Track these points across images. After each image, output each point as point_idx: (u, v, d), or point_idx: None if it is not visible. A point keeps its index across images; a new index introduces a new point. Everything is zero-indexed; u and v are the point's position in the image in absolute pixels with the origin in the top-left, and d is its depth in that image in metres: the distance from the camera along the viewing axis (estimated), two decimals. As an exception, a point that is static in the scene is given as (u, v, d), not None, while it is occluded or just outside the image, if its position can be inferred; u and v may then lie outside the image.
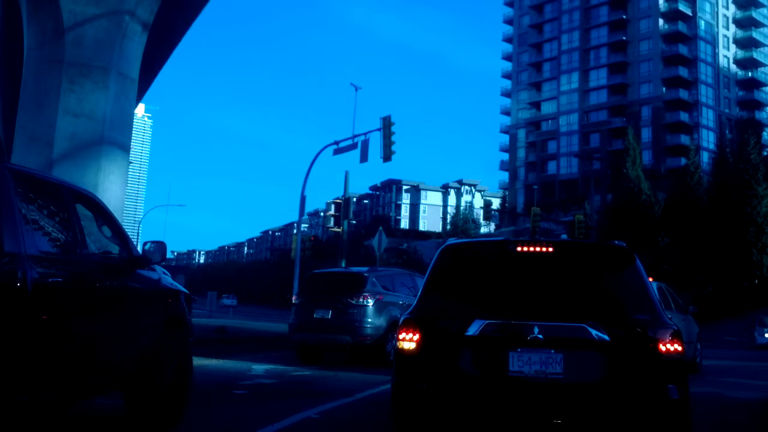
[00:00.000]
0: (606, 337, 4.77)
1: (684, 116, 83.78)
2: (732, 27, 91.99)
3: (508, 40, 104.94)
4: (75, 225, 4.92)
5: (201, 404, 7.09)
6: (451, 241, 5.80)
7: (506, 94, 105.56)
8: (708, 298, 44.20)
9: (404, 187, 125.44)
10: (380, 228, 28.59)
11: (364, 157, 25.95)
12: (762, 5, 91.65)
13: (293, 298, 15.03)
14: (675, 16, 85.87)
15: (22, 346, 4.03)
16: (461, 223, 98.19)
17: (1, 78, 20.95)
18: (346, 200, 27.46)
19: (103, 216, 5.68)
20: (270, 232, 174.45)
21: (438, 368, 4.95)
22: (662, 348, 4.81)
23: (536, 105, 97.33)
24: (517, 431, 5.33)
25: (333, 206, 29.44)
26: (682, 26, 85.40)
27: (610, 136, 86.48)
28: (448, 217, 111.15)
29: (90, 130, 13.34)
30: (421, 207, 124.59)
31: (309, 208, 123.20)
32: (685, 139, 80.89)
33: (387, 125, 24.99)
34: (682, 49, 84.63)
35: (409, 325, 5.13)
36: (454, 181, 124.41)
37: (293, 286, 25.31)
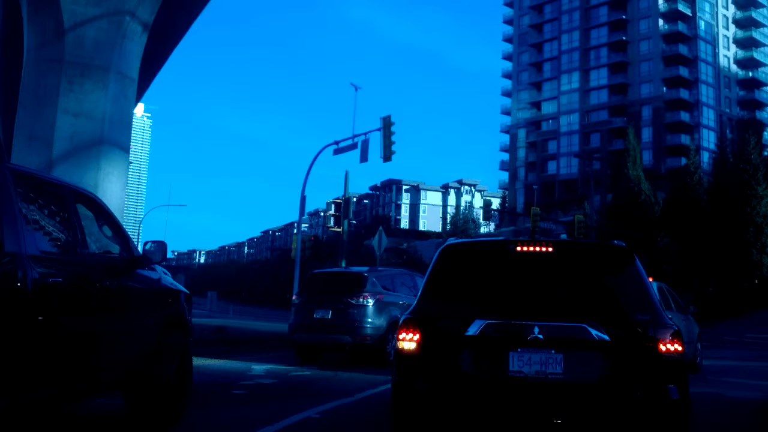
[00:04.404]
0: (606, 337, 4.77)
1: (685, 116, 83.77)
2: (732, 27, 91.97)
3: (508, 39, 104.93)
4: (75, 225, 4.92)
5: (201, 404, 7.09)
6: (451, 241, 5.80)
7: (506, 93, 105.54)
8: (708, 298, 44.13)
9: (404, 187, 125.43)
10: (380, 228, 28.59)
11: (364, 157, 25.95)
12: (761, 5, 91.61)
13: (293, 298, 15.03)
14: (675, 16, 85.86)
15: (23, 346, 4.03)
16: (461, 223, 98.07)
17: (1, 78, 20.93)
18: (346, 200, 27.46)
19: (104, 216, 5.68)
20: (270, 232, 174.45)
21: (438, 368, 4.95)
22: (662, 348, 4.81)
23: (536, 105, 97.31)
24: (517, 431, 5.32)
25: (333, 206, 29.43)
26: (681, 26, 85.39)
27: (610, 136, 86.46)
28: (448, 217, 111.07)
29: (90, 130, 13.35)
30: (421, 207, 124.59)
31: (309, 208, 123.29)
32: (685, 139, 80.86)
33: (387, 125, 24.99)
34: (683, 49, 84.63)
35: (410, 325, 5.13)
36: (454, 181, 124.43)
37: (293, 286, 25.31)
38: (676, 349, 4.83)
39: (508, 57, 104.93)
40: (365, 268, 15.00)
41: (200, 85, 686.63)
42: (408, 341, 5.09)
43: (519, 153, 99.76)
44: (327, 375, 10.97)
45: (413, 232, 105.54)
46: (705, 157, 74.86)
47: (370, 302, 12.89)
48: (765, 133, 66.47)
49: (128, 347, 5.48)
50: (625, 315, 5.06)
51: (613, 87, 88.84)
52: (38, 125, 13.17)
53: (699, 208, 48.95)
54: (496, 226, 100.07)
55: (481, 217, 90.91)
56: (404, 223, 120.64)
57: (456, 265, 5.53)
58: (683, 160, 65.99)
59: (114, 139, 13.76)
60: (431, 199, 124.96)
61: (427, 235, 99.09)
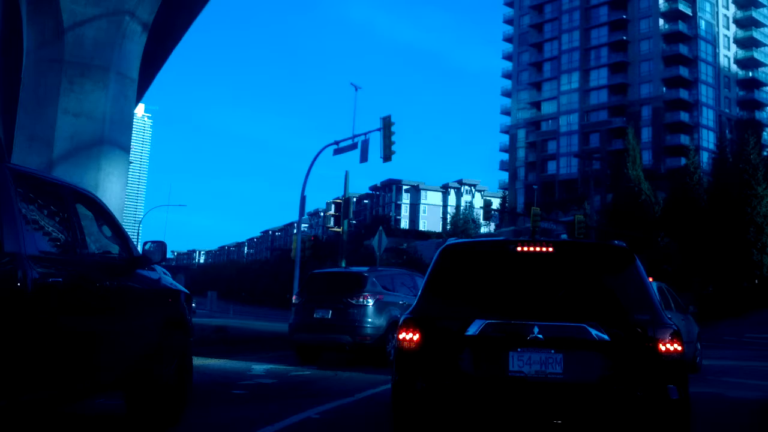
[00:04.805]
0: (606, 337, 4.77)
1: (684, 116, 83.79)
2: (732, 27, 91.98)
3: (508, 39, 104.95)
4: (75, 225, 4.92)
5: (201, 404, 7.09)
6: (451, 241, 5.80)
7: (506, 93, 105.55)
8: (708, 298, 44.14)
9: (404, 187, 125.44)
10: (380, 228, 28.58)
11: (364, 157, 25.95)
12: (762, 5, 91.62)
13: (293, 298, 15.04)
14: (675, 15, 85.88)
15: (23, 346, 4.03)
16: (461, 223, 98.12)
17: (1, 78, 20.94)
18: (346, 200, 27.46)
19: (103, 216, 5.68)
20: (270, 232, 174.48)
21: (438, 368, 4.95)
22: (662, 348, 4.81)
23: (536, 105, 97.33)
24: (517, 431, 5.32)
25: (333, 206, 29.49)
26: (682, 26, 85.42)
27: (610, 136, 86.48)
28: (448, 217, 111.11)
29: (90, 130, 13.35)
30: (421, 207, 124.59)
31: (309, 208, 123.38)
32: (685, 139, 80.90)
33: (387, 125, 24.99)
34: (683, 49, 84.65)
35: (409, 325, 5.13)
36: (454, 181, 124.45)
37: (293, 286, 25.31)
38: (675, 349, 4.83)
39: (508, 57, 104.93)
40: (365, 268, 15.00)
41: (200, 85, 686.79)
42: (408, 341, 5.09)
43: (519, 153, 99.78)
44: (327, 375, 10.97)
45: (413, 232, 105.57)
46: (705, 157, 74.89)
47: (370, 302, 12.89)
48: (764, 133, 66.56)
49: (128, 347, 5.48)
50: (625, 315, 5.06)
51: (613, 87, 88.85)
52: (38, 125, 13.17)
53: (699, 208, 48.96)
54: (496, 226, 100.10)
55: (481, 217, 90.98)
56: (404, 223, 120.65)
57: (456, 265, 5.53)
58: (683, 160, 66.00)
59: (114, 139, 13.76)
60: (431, 199, 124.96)
61: (427, 235, 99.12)
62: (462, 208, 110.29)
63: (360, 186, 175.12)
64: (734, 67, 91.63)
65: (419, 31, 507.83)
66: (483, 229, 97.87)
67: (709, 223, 46.56)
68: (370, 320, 12.78)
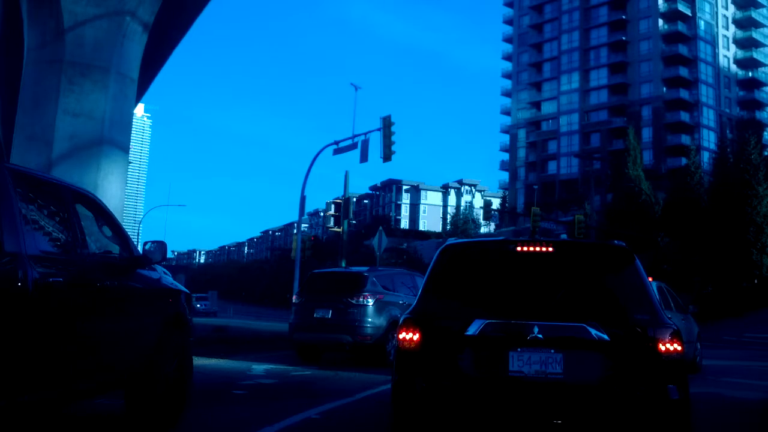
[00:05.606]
0: (606, 337, 4.77)
1: (685, 116, 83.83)
2: (732, 27, 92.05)
3: (508, 40, 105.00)
4: (75, 225, 4.92)
5: (201, 404, 7.09)
6: (451, 241, 5.80)
7: (506, 93, 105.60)
8: (708, 298, 44.19)
9: (404, 187, 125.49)
10: (380, 228, 28.60)
11: (364, 157, 25.96)
12: (761, 5, 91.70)
13: (293, 297, 15.04)
14: (674, 16, 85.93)
15: (23, 346, 4.03)
16: (461, 223, 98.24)
17: (1, 78, 20.95)
18: (346, 200, 27.47)
19: (104, 216, 5.68)
20: (270, 232, 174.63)
21: (438, 368, 4.96)
22: (662, 348, 4.81)
23: (536, 105, 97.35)
24: (517, 431, 5.33)
25: (333, 206, 29.56)
26: (681, 26, 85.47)
27: (610, 136, 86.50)
28: (448, 217, 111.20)
29: (89, 130, 13.35)
30: (421, 207, 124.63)
31: (309, 208, 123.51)
32: (685, 139, 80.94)
33: (387, 125, 24.99)
34: (682, 49, 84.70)
35: (409, 325, 5.13)
36: (454, 181, 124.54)
37: (293, 285, 25.32)
38: (675, 349, 4.83)
39: (508, 57, 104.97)
40: (365, 268, 15.00)
41: (200, 85, 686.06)
42: (408, 341, 5.09)
43: (519, 153, 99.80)
44: (327, 375, 10.97)
45: (413, 232, 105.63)
46: (705, 157, 74.97)
47: (370, 302, 12.90)
48: (765, 133, 66.56)
49: (128, 347, 5.48)
50: (625, 315, 5.06)
51: (613, 87, 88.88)
52: (38, 125, 13.17)
53: (699, 208, 49.00)
54: (496, 226, 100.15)
55: (481, 217, 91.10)
56: (404, 223, 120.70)
57: (456, 265, 5.53)
58: (683, 160, 66.08)
59: (114, 139, 13.76)
60: (431, 199, 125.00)
61: (427, 235, 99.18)
62: (462, 208, 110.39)
63: (360, 186, 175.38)
64: (734, 67, 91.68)
65: (419, 31, 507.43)
66: (483, 229, 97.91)
67: (709, 223, 46.60)
68: (370, 320, 12.79)
